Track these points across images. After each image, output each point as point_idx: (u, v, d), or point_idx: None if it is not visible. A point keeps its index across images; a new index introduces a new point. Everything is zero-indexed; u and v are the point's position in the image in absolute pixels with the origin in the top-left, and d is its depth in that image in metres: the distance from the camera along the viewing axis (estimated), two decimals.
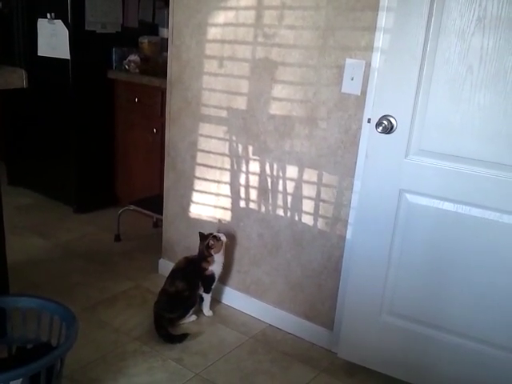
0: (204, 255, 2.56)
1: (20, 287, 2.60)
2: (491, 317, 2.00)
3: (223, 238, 2.57)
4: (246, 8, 2.38)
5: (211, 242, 2.54)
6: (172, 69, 2.73)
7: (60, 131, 3.79)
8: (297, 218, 2.46)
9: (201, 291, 2.61)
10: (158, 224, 3.57)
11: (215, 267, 2.59)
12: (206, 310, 2.65)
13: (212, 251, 2.54)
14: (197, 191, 2.80)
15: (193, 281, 2.55)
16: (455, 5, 1.79)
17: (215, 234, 2.58)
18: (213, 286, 2.62)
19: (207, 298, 2.64)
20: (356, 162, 2.21)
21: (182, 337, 2.43)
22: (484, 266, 1.96)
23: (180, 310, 2.54)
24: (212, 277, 2.58)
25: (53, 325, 1.94)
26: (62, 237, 3.45)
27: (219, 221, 2.73)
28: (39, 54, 3.71)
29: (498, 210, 1.90)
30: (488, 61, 1.79)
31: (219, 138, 2.63)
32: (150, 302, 2.65)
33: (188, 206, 2.85)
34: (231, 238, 2.67)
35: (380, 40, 2.03)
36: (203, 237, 2.58)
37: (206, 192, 2.76)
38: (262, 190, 2.54)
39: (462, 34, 1.81)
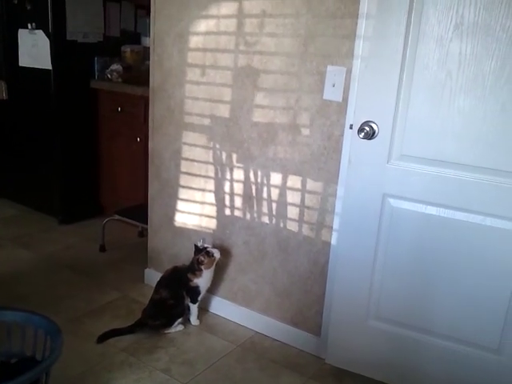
0: (194, 267, 2.54)
1: (4, 300, 2.57)
2: (477, 319, 2.01)
3: (216, 255, 2.52)
4: (227, 16, 2.39)
5: (201, 258, 2.50)
6: (154, 78, 2.73)
7: (43, 142, 3.76)
8: (282, 225, 2.46)
9: (188, 301, 2.59)
10: (143, 233, 3.56)
11: (201, 281, 2.56)
12: (193, 319, 2.64)
13: (202, 266, 2.52)
14: (181, 200, 2.79)
15: (177, 290, 2.54)
16: (433, 12, 1.81)
17: (209, 249, 2.52)
18: (199, 298, 2.60)
19: (193, 308, 2.62)
20: (339, 168, 2.23)
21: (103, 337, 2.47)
22: (468, 268, 1.98)
23: (164, 319, 2.53)
24: (196, 289, 2.56)
25: (37, 338, 1.92)
26: (46, 248, 3.43)
27: (212, 231, 2.72)
28: (20, 64, 3.69)
29: (481, 213, 1.92)
30: (466, 66, 1.81)
31: (203, 146, 2.63)
32: (136, 313, 2.64)
33: (173, 214, 2.84)
34: (226, 253, 2.64)
35: (360, 47, 2.05)
36: (198, 250, 2.54)
37: (190, 200, 2.76)
38: (247, 197, 2.54)
39: (440, 41, 1.83)
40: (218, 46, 2.46)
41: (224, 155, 2.57)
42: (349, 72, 2.12)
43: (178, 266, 2.63)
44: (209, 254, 2.51)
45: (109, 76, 3.67)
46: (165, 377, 2.27)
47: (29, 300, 2.76)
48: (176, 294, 2.53)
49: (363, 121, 2.00)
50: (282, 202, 2.44)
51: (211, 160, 2.62)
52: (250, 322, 2.65)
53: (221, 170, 2.60)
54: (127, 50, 3.78)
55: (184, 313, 2.59)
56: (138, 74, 3.64)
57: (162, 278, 2.60)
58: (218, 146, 2.58)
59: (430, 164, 1.95)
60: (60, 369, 1.97)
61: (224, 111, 2.51)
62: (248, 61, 2.38)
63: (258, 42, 2.33)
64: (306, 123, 2.28)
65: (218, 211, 2.67)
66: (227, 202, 2.62)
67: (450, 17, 1.79)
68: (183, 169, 2.74)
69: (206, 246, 2.55)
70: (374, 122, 1.99)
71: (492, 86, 1.79)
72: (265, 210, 2.50)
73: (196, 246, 2.55)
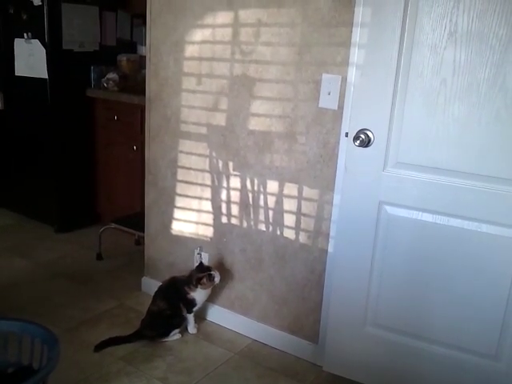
0: (192, 281, 2.53)
1: (1, 310, 2.57)
2: (473, 325, 2.01)
3: (217, 280, 2.53)
4: (223, 25, 2.40)
5: (204, 280, 2.50)
6: (150, 87, 2.74)
7: (39, 151, 3.76)
8: (279, 233, 2.47)
9: (184, 313, 2.58)
10: (140, 242, 3.55)
11: (198, 295, 2.55)
12: (191, 327, 2.63)
13: (200, 287, 2.52)
14: (178, 208, 2.80)
15: (174, 301, 2.53)
16: (427, 20, 1.83)
17: (212, 272, 2.52)
18: (194, 309, 2.59)
19: (190, 317, 2.61)
20: (335, 176, 2.23)
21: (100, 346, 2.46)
22: (464, 275, 1.99)
23: (161, 329, 2.53)
24: (193, 301, 2.55)
25: (34, 348, 1.91)
26: (43, 257, 3.42)
27: (209, 239, 2.72)
28: (16, 74, 3.70)
29: (476, 219, 1.93)
30: (461, 74, 1.83)
31: (199, 155, 2.64)
32: (133, 321, 2.64)
33: (170, 222, 2.85)
34: (224, 272, 2.64)
35: (355, 55, 2.06)
36: (201, 268, 2.54)
37: (187, 208, 2.76)
38: (244, 205, 2.55)
39: (434, 48, 1.85)
40: (214, 54, 2.47)
41: (220, 163, 2.57)
42: (344, 80, 2.13)
43: (176, 276, 2.63)
44: (210, 278, 2.51)
45: (105, 85, 3.68)
46: None
47: (25, 309, 2.75)
48: (174, 305, 2.53)
49: (359, 128, 2.01)
50: (279, 210, 2.44)
51: (208, 168, 2.63)
52: (247, 330, 2.65)
53: (217, 178, 2.61)
54: (123, 58, 3.79)
55: (181, 323, 2.58)
56: (135, 83, 3.65)
57: (159, 288, 2.59)
58: (214, 154, 2.58)
59: (425, 171, 1.96)
60: (57, 378, 1.96)
61: (220, 120, 2.52)
62: (244, 69, 2.39)
63: (254, 51, 2.34)
64: (302, 131, 2.29)
65: (214, 219, 2.67)
66: (224, 210, 2.62)
67: (444, 25, 1.81)
68: (180, 177, 2.74)
69: (209, 267, 2.57)
70: (369, 130, 2.00)
71: (486, 94, 1.81)
72: (261, 217, 2.50)
73: (201, 263, 2.56)
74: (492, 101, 1.80)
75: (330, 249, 2.31)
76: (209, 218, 2.69)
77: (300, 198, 2.37)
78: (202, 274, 2.51)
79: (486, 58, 1.78)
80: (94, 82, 3.74)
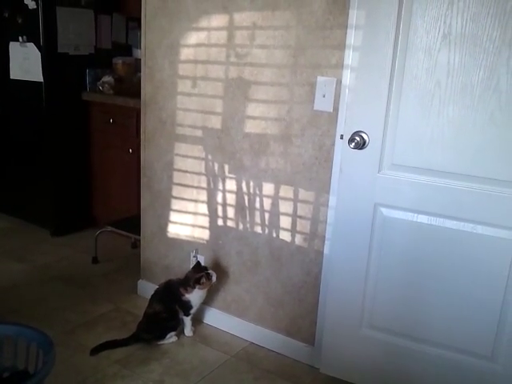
0: (188, 283, 2.53)
1: None
2: (469, 326, 2.02)
3: (214, 279, 2.53)
4: (218, 28, 2.41)
5: (203, 279, 2.50)
6: (146, 89, 2.74)
7: (35, 154, 3.76)
8: (275, 235, 2.47)
9: (181, 315, 2.58)
10: (136, 245, 3.55)
11: (193, 297, 2.55)
12: (187, 330, 2.63)
13: (198, 286, 2.52)
14: (174, 211, 2.79)
15: (170, 304, 2.53)
16: (421, 22, 1.84)
17: (210, 271, 2.53)
18: (191, 312, 2.59)
19: (187, 320, 2.61)
20: (331, 178, 2.24)
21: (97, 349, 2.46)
22: (460, 276, 1.99)
23: (157, 332, 2.53)
24: (188, 303, 2.55)
25: (30, 351, 1.91)
26: (39, 260, 3.41)
27: (205, 242, 2.72)
28: (12, 77, 3.70)
29: (472, 221, 1.93)
30: (455, 76, 1.84)
31: (195, 158, 2.64)
32: (129, 324, 2.64)
33: (166, 225, 2.84)
34: (220, 274, 2.63)
35: (350, 57, 2.07)
36: (198, 268, 2.55)
37: (183, 211, 2.76)
38: (240, 207, 2.55)
39: (428, 51, 1.85)
40: (209, 57, 2.47)
41: (216, 166, 2.58)
42: (339, 82, 2.13)
43: (172, 279, 2.62)
44: (208, 277, 2.51)
45: (100, 88, 3.68)
46: None
47: (21, 313, 2.75)
48: (169, 307, 2.53)
49: (354, 131, 2.02)
50: (275, 212, 2.45)
51: (203, 171, 2.63)
52: (243, 333, 2.65)
53: (213, 181, 2.61)
54: (119, 61, 3.79)
55: (177, 326, 2.58)
56: (130, 86, 3.65)
57: (155, 291, 2.59)
58: (210, 156, 2.59)
59: (420, 173, 1.97)
60: (53, 381, 1.96)
61: (216, 122, 2.52)
62: (239, 72, 2.39)
63: (249, 54, 2.35)
64: (298, 133, 2.29)
65: (210, 222, 2.67)
66: (220, 213, 2.62)
67: (438, 27, 1.82)
68: (175, 180, 2.74)
69: (206, 266, 2.58)
70: (364, 132, 2.00)
71: (480, 96, 1.81)
72: (257, 220, 2.50)
73: (198, 263, 2.57)
74: (486, 103, 1.81)
75: (326, 251, 2.32)
76: (205, 221, 2.69)
77: (296, 200, 2.37)
78: (199, 273, 2.51)
79: (479, 60, 1.79)
80: (89, 85, 3.74)
